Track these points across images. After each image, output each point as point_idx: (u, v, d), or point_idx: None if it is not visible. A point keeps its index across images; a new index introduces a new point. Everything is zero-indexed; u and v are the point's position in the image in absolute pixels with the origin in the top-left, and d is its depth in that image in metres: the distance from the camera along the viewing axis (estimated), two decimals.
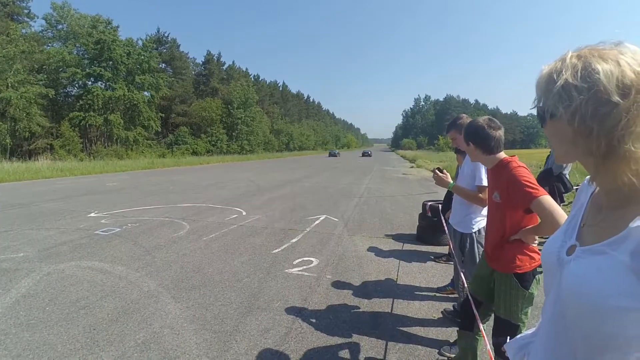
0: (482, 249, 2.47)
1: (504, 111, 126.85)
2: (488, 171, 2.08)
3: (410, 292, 3.66)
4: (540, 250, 0.79)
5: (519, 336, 0.89)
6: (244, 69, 65.04)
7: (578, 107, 0.59)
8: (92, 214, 7.57)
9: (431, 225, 5.32)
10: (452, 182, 2.73)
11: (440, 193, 5.54)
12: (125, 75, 35.01)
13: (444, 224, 3.76)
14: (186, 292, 3.58)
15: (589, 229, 0.69)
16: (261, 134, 56.91)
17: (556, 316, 0.68)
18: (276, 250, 5.00)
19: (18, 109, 25.47)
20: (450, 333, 2.82)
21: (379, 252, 4.98)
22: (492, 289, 1.98)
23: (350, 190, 12.18)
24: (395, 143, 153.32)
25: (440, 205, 4.86)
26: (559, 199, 4.60)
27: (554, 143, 0.68)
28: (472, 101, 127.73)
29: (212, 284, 3.79)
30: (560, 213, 1.56)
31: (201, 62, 55.56)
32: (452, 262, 3.93)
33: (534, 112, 0.70)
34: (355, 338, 2.76)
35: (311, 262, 4.53)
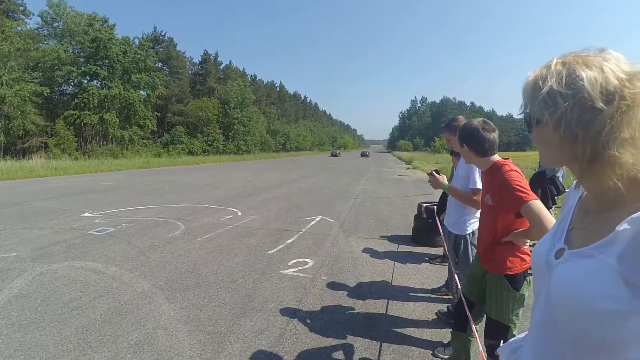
0: (476, 251, 2.48)
1: (499, 113, 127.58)
2: (482, 173, 2.09)
3: (404, 293, 3.66)
4: (531, 252, 0.80)
5: (511, 340, 0.90)
6: (241, 69, 65.07)
7: (563, 114, 0.60)
8: (86, 214, 7.51)
9: (426, 226, 5.34)
10: (447, 183, 2.74)
11: (436, 195, 5.57)
12: (121, 74, 34.81)
13: (439, 226, 3.78)
14: (180, 293, 3.56)
15: (577, 232, 0.69)
16: (258, 134, 56.82)
17: (545, 319, 0.69)
18: (271, 251, 4.99)
19: (12, 107, 25.22)
20: (444, 334, 2.83)
21: (374, 253, 4.98)
22: (484, 290, 1.99)
23: (347, 191, 12.19)
24: (392, 144, 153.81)
25: (435, 207, 4.88)
26: (550, 201, 4.64)
27: (540, 148, 0.69)
28: (468, 103, 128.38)
29: (206, 285, 3.78)
30: (549, 218, 1.58)
31: (198, 62, 55.40)
32: (446, 264, 3.95)
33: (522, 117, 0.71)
34: (350, 339, 2.77)
35: (306, 263, 4.53)
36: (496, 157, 1.98)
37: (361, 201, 9.86)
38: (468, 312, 2.03)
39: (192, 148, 42.70)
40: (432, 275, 4.17)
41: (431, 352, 2.60)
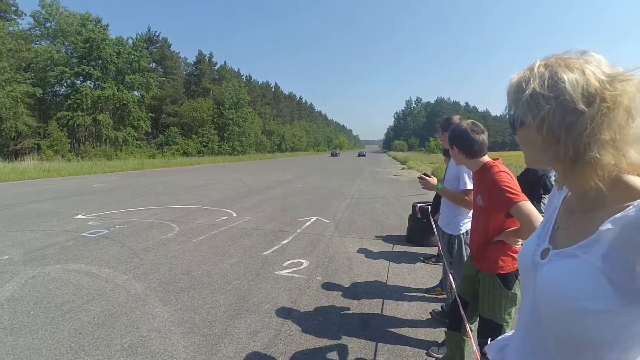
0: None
1: (493, 114, 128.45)
2: (472, 174, 2.11)
3: (399, 293, 3.68)
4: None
5: (499, 338, 0.91)
6: (236, 70, 64.81)
7: (546, 116, 0.61)
8: (80, 216, 7.45)
9: (421, 226, 5.36)
10: (439, 184, 2.76)
11: (430, 195, 5.60)
12: (115, 75, 34.56)
13: (433, 226, 3.80)
14: (174, 295, 3.55)
15: (562, 232, 0.70)
16: (253, 134, 56.69)
17: (532, 318, 0.69)
18: (266, 252, 4.99)
19: (4, 108, 24.93)
20: (439, 334, 2.85)
21: (369, 254, 5.00)
22: (478, 289, 2.01)
23: (342, 191, 12.20)
24: (387, 144, 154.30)
25: (429, 207, 4.90)
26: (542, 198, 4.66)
27: (524, 149, 0.70)
28: (462, 104, 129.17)
29: (200, 287, 3.76)
30: (538, 218, 1.60)
31: (192, 62, 55.17)
32: (441, 263, 3.97)
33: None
34: (345, 339, 2.77)
35: (301, 263, 4.53)
36: (486, 158, 1.99)
37: (356, 201, 9.87)
38: (462, 312, 2.05)
39: (187, 149, 42.50)
40: (427, 275, 4.19)
41: (425, 351, 2.61)
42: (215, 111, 48.65)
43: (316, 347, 2.66)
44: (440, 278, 3.72)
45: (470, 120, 2.08)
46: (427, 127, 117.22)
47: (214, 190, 12.12)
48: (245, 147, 53.40)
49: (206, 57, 55.49)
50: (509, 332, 0.89)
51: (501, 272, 1.84)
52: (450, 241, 2.81)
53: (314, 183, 15.02)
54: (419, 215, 5.39)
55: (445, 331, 2.41)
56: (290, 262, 4.58)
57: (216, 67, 58.46)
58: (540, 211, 4.44)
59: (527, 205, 1.64)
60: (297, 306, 3.33)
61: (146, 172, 23.03)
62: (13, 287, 3.69)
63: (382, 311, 3.27)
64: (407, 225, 5.82)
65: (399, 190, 12.52)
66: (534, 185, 4.38)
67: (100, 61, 32.94)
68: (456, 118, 2.96)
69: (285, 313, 3.19)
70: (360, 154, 66.17)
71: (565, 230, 0.69)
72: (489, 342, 0.93)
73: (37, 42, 32.91)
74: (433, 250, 4.98)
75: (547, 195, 4.54)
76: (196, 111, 45.63)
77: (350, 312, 3.25)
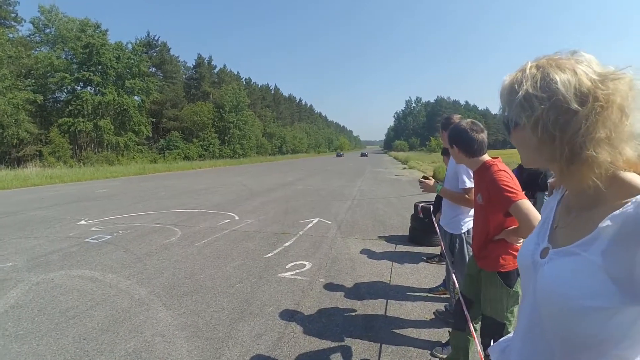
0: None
1: (494, 112, 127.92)
2: (473, 173, 2.11)
3: (403, 294, 3.67)
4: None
5: (501, 339, 0.91)
6: (235, 73, 64.93)
7: (540, 116, 0.61)
8: (82, 222, 7.47)
9: (423, 226, 5.35)
10: (439, 185, 2.77)
11: (432, 194, 5.59)
12: (115, 80, 34.63)
13: (436, 225, 3.79)
14: (178, 299, 3.55)
15: (560, 231, 0.71)
16: (253, 137, 56.75)
17: (533, 318, 0.70)
18: (269, 255, 4.99)
19: (6, 116, 25.00)
20: (442, 334, 2.84)
21: (371, 254, 4.99)
22: (480, 288, 2.01)
23: (343, 192, 12.21)
24: (388, 145, 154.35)
25: (431, 206, 4.90)
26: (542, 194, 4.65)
27: (520, 150, 0.71)
28: (462, 102, 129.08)
29: (204, 290, 3.77)
30: (537, 217, 1.61)
31: (192, 66, 55.27)
32: (444, 263, 3.96)
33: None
34: (348, 341, 2.77)
35: (304, 265, 4.53)
36: (486, 157, 2.00)
37: (358, 202, 9.87)
38: (466, 311, 2.05)
39: (188, 153, 42.57)
40: (430, 275, 4.18)
41: (430, 351, 2.61)
42: (216, 114, 48.72)
43: (320, 349, 2.66)
44: (444, 278, 3.72)
45: (470, 120, 2.08)
46: (427, 127, 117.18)
47: (216, 194, 12.14)
48: (246, 150, 53.45)
49: (205, 61, 55.61)
50: (511, 334, 0.89)
51: (502, 270, 1.84)
52: (451, 240, 2.81)
53: (316, 184, 15.03)
54: (421, 215, 5.38)
55: (449, 331, 2.41)
56: (293, 264, 4.59)
57: (216, 70, 58.59)
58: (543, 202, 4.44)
59: (526, 203, 1.65)
60: (301, 308, 3.34)
61: (148, 177, 23.08)
62: (17, 294, 3.71)
63: (385, 312, 3.27)
64: (410, 225, 5.82)
65: (401, 190, 12.51)
66: (535, 175, 4.39)
67: (100, 66, 33.02)
68: (456, 117, 2.96)
69: (288, 315, 3.19)
70: (363, 154, 74.19)
71: (564, 228, 0.69)
72: (492, 343, 0.93)
73: (37, 49, 33.04)
74: (436, 250, 4.97)
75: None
76: (196, 115, 45.70)
77: (353, 313, 3.25)
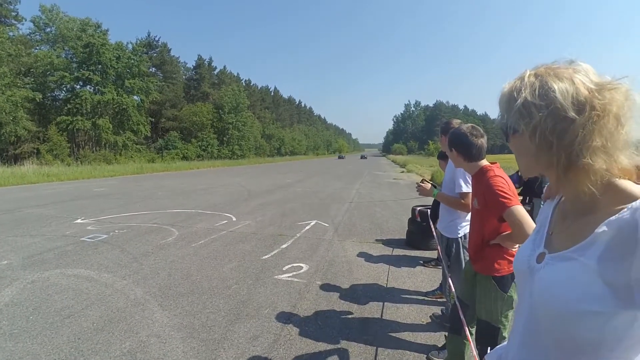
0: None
1: (492, 117, 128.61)
2: (472, 178, 2.12)
3: (399, 297, 3.67)
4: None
5: (498, 347, 0.91)
6: (236, 74, 65.06)
7: (538, 124, 0.62)
8: (79, 220, 7.45)
9: (420, 230, 5.36)
10: (435, 190, 2.79)
11: (430, 198, 5.62)
12: (115, 79, 34.65)
13: (433, 229, 3.80)
14: (174, 300, 3.54)
15: (556, 236, 0.71)
16: (252, 138, 56.78)
17: (529, 322, 0.70)
18: (266, 257, 4.98)
19: (4, 113, 24.95)
20: (438, 338, 2.84)
21: (368, 257, 4.99)
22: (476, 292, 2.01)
23: (341, 195, 12.21)
24: (386, 148, 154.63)
25: (429, 210, 4.91)
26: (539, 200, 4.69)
27: (517, 157, 0.72)
28: (461, 107, 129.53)
29: (200, 291, 3.76)
30: (530, 224, 1.62)
31: (192, 67, 55.35)
32: (441, 267, 3.97)
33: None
34: (344, 344, 2.77)
35: (301, 268, 4.52)
36: (484, 162, 2.01)
37: (356, 205, 9.87)
38: (462, 315, 2.05)
39: (187, 153, 42.53)
40: (427, 279, 4.19)
41: (425, 355, 2.61)
42: (215, 115, 48.74)
43: (316, 352, 2.66)
44: (440, 281, 3.72)
45: (470, 124, 2.10)
46: (426, 131, 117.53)
47: (214, 195, 12.12)
48: (244, 151, 53.46)
49: (205, 62, 55.68)
50: (506, 340, 0.89)
51: (497, 274, 1.85)
52: (448, 244, 2.82)
53: (314, 187, 15.03)
54: (418, 219, 5.39)
55: (445, 335, 2.41)
56: (289, 266, 4.58)
57: (216, 72, 58.66)
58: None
59: (519, 210, 1.66)
60: (297, 310, 3.33)
61: (146, 176, 23.04)
62: (12, 292, 3.68)
63: (382, 315, 3.27)
64: (407, 228, 5.82)
65: (399, 194, 12.52)
66: (533, 181, 4.43)
67: (100, 66, 33.03)
68: (456, 122, 2.97)
69: (284, 317, 3.18)
70: (363, 157, 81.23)
71: (560, 234, 0.70)
72: (488, 348, 0.94)
73: (37, 47, 33.06)
74: (433, 254, 4.98)
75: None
76: (196, 115, 45.72)
77: (350, 316, 3.25)
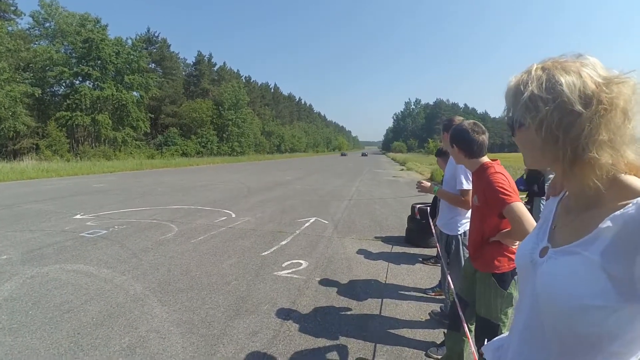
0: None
1: (492, 115, 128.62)
2: (472, 174, 2.12)
3: (398, 294, 3.68)
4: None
5: (495, 338, 0.91)
6: (236, 70, 64.91)
7: (544, 117, 0.62)
8: (78, 216, 7.44)
9: (420, 227, 5.37)
10: (436, 186, 2.79)
11: (429, 196, 5.62)
12: (114, 75, 34.53)
13: (432, 226, 3.80)
14: (173, 295, 3.55)
15: (559, 231, 0.71)
16: (252, 135, 56.71)
17: (531, 316, 0.70)
18: (265, 253, 4.99)
19: (3, 108, 24.86)
20: (437, 334, 2.85)
21: (368, 254, 5.00)
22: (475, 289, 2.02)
23: (341, 192, 12.21)
24: (386, 146, 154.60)
25: (428, 208, 4.91)
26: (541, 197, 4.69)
27: (523, 151, 0.71)
28: (461, 105, 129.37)
29: (199, 287, 3.76)
30: (530, 221, 1.62)
31: (192, 63, 55.22)
32: (440, 264, 3.97)
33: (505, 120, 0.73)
34: (343, 340, 2.77)
35: (300, 264, 4.53)
36: (485, 159, 2.01)
37: (355, 202, 9.88)
38: (461, 312, 2.05)
39: (186, 149, 42.48)
40: (426, 276, 4.19)
41: (424, 352, 2.62)
42: (215, 112, 48.64)
43: (315, 348, 2.66)
44: (439, 279, 3.73)
45: (472, 121, 2.09)
46: (426, 129, 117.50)
47: (213, 191, 12.12)
48: (244, 147, 53.41)
49: (205, 58, 55.55)
50: (505, 333, 0.89)
51: (497, 271, 1.85)
52: (448, 241, 2.82)
53: (313, 184, 15.03)
54: (417, 216, 5.39)
55: (444, 332, 2.42)
56: (289, 262, 4.58)
57: (215, 68, 58.53)
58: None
59: (519, 206, 1.66)
60: (296, 307, 3.34)
61: (145, 172, 23.02)
62: (11, 287, 3.69)
63: (381, 312, 3.27)
64: (406, 226, 5.83)
65: (398, 192, 12.53)
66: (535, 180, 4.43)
67: (99, 61, 32.90)
68: (458, 119, 2.96)
69: (284, 314, 3.19)
70: (363, 154, 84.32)
71: (563, 228, 0.70)
72: (485, 342, 0.94)
73: (36, 42, 32.89)
74: (432, 251, 4.98)
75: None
76: (195, 112, 45.63)
77: (349, 312, 3.25)
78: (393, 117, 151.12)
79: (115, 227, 6.46)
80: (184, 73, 53.24)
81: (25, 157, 25.32)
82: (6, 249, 5.01)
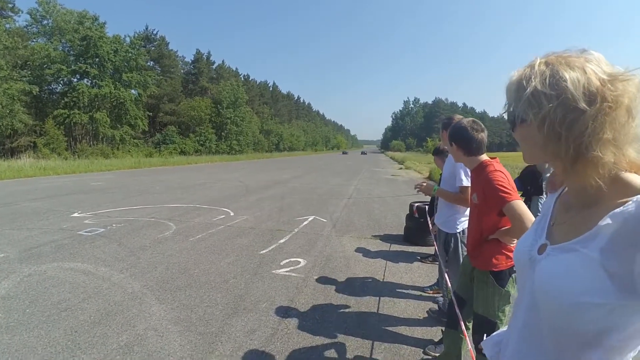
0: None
1: (491, 114, 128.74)
2: (470, 172, 2.12)
3: (396, 292, 3.68)
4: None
5: (494, 333, 0.91)
6: (234, 69, 64.77)
7: (547, 114, 0.61)
8: (76, 214, 7.42)
9: (418, 226, 5.37)
10: (435, 186, 2.79)
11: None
12: (112, 73, 34.39)
13: (430, 225, 3.80)
14: (171, 294, 3.54)
15: (558, 228, 0.71)
16: (251, 134, 56.58)
17: (529, 314, 0.70)
18: (264, 251, 4.98)
19: (0, 106, 24.73)
20: (435, 332, 2.86)
21: (366, 253, 5.00)
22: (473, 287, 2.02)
23: (339, 191, 12.21)
24: (385, 145, 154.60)
25: (426, 206, 4.92)
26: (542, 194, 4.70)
27: (523, 146, 0.70)
28: (460, 104, 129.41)
29: (197, 285, 3.76)
30: (530, 218, 1.62)
31: (190, 61, 55.03)
32: (437, 262, 3.98)
33: (505, 116, 0.72)
34: (341, 338, 2.77)
35: (299, 262, 4.53)
36: (484, 157, 2.01)
37: (354, 201, 9.88)
38: (458, 311, 2.05)
39: (184, 148, 42.36)
40: (424, 274, 4.20)
41: (422, 350, 2.62)
42: (213, 110, 48.51)
43: (313, 346, 2.67)
44: (437, 277, 3.74)
45: (471, 118, 2.08)
46: (424, 128, 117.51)
47: (211, 189, 12.10)
48: (242, 146, 53.29)
49: (204, 56, 55.36)
50: (503, 328, 0.89)
51: (495, 269, 1.85)
52: (446, 240, 2.82)
53: (312, 183, 15.02)
54: (416, 215, 5.40)
55: (442, 329, 2.42)
56: (287, 261, 4.58)
57: (214, 66, 58.36)
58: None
59: (519, 204, 1.66)
60: (294, 305, 3.34)
61: (143, 170, 22.96)
62: (9, 285, 3.67)
63: (378, 310, 3.28)
64: (405, 224, 5.83)
65: (397, 190, 12.54)
66: (538, 183, 4.43)
67: (97, 59, 32.74)
68: (457, 117, 2.96)
69: (282, 312, 3.19)
70: (363, 153, 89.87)
71: (562, 225, 0.70)
72: (484, 337, 0.94)
73: (34, 40, 32.67)
74: (430, 250, 4.99)
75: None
76: (194, 110, 45.50)
77: (347, 310, 3.25)
78: (392, 116, 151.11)
79: (113, 225, 6.44)
80: (182, 71, 53.08)
81: (22, 155, 25.21)
82: (3, 247, 4.99)
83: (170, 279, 3.93)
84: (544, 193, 4.58)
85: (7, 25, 28.99)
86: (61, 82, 33.21)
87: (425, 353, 2.58)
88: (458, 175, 2.64)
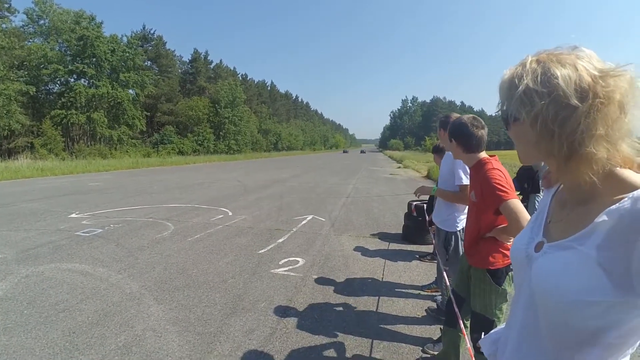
0: None
1: (489, 113, 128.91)
2: (469, 170, 2.11)
3: (395, 291, 3.68)
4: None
5: (492, 331, 0.91)
6: (232, 68, 64.67)
7: (540, 112, 0.61)
8: (73, 215, 7.39)
9: (416, 224, 5.37)
10: (434, 186, 2.79)
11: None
12: (110, 73, 34.28)
13: (428, 223, 3.80)
14: (169, 294, 3.53)
15: (554, 225, 0.71)
16: (249, 133, 56.51)
17: (527, 311, 0.70)
18: (262, 251, 4.98)
19: None
20: (434, 331, 2.86)
21: (365, 252, 5.00)
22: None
23: (338, 190, 12.21)
24: (383, 144, 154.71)
25: (425, 205, 4.92)
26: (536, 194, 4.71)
27: (517, 145, 0.70)
28: (458, 103, 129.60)
29: (196, 285, 3.75)
30: (526, 217, 1.62)
31: (188, 61, 54.88)
32: (436, 261, 3.98)
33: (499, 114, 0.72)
34: (340, 337, 2.77)
35: (297, 262, 4.52)
36: (483, 154, 2.00)
37: (352, 200, 9.88)
38: (456, 309, 2.06)
39: (182, 148, 42.28)
40: (422, 273, 4.20)
41: (421, 348, 2.62)
42: (211, 110, 48.41)
43: (312, 345, 2.66)
44: (436, 275, 3.74)
45: (471, 115, 2.07)
46: (423, 126, 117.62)
47: (210, 189, 12.08)
48: (241, 146, 53.23)
49: (202, 56, 55.23)
50: (501, 326, 0.89)
51: (491, 267, 1.85)
52: (446, 238, 2.82)
53: (310, 182, 15.01)
54: (414, 214, 5.40)
55: (440, 328, 2.42)
56: (286, 260, 4.58)
57: (212, 66, 58.19)
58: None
59: (516, 203, 1.66)
60: (293, 304, 3.33)
61: (141, 171, 22.91)
62: (6, 287, 3.66)
63: (377, 308, 3.28)
64: (403, 223, 5.84)
65: (395, 189, 12.54)
66: (535, 181, 4.44)
67: (94, 59, 32.62)
68: (454, 116, 2.96)
69: (281, 311, 3.19)
70: (362, 151, 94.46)
71: (558, 223, 0.70)
72: (482, 336, 0.94)
73: (31, 40, 32.53)
74: (429, 248, 4.99)
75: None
76: (192, 110, 45.40)
77: (346, 309, 3.25)
78: (390, 115, 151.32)
79: (111, 225, 6.43)
80: (180, 71, 52.95)
81: (19, 155, 25.08)
82: (1, 248, 4.97)
83: (169, 279, 3.92)
84: (541, 191, 4.59)
85: (4, 25, 28.84)
86: (58, 82, 33.09)
87: (424, 351, 2.59)
88: (457, 174, 2.64)
